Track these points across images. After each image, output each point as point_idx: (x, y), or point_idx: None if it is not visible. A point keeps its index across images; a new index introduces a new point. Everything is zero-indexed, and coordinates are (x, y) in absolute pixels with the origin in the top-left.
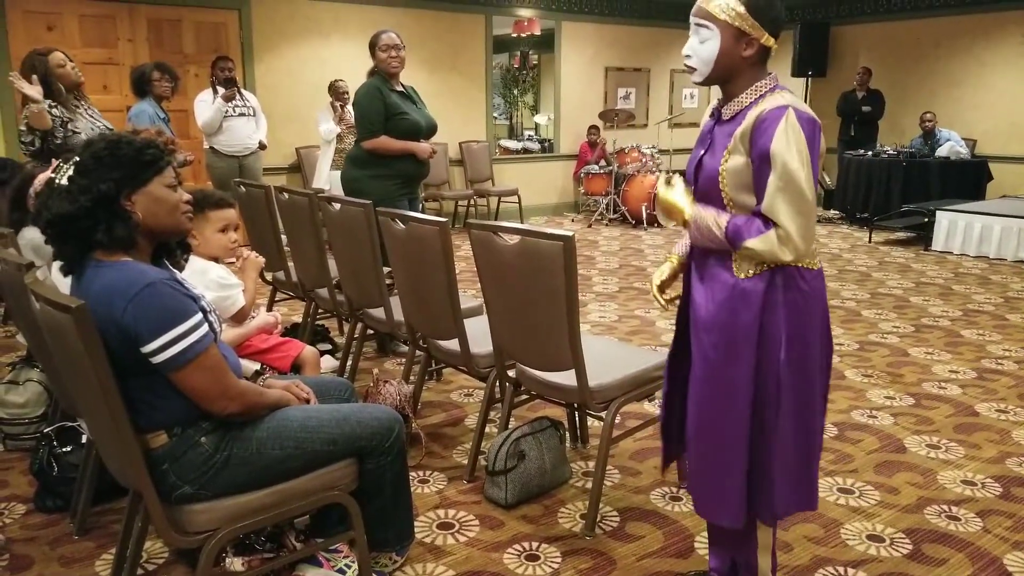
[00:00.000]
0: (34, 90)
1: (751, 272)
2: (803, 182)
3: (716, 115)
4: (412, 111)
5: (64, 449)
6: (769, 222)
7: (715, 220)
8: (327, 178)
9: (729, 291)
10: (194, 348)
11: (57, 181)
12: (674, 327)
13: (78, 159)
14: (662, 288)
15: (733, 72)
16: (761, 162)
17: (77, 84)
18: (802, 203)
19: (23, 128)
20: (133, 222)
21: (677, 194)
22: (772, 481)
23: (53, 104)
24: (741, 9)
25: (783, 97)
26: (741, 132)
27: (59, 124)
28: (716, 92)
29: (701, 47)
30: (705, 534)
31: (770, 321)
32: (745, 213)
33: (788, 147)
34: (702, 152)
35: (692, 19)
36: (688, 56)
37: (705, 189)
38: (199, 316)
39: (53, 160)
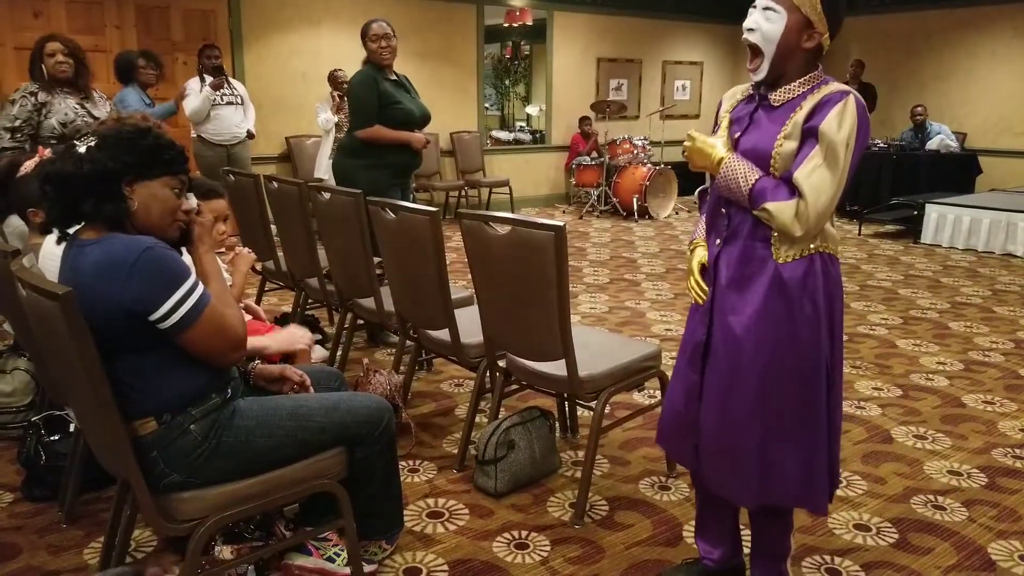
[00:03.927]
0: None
1: (791, 257)
2: (841, 166)
3: (757, 99)
4: (406, 100)
5: (52, 438)
6: (795, 193)
7: (746, 173)
8: (327, 167)
9: (769, 277)
10: (200, 303)
11: (77, 147)
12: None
13: (105, 133)
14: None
15: (788, 60)
16: (807, 136)
17: (59, 80)
18: (832, 186)
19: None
20: (126, 207)
21: (712, 138)
22: (827, 463)
23: (34, 91)
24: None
25: (842, 85)
26: (803, 116)
27: (35, 111)
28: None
29: (766, 23)
30: (694, 523)
31: (811, 306)
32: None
33: (839, 129)
34: (738, 134)
35: (759, 1)
36: (752, 30)
37: None
38: (193, 274)
39: (40, 148)
